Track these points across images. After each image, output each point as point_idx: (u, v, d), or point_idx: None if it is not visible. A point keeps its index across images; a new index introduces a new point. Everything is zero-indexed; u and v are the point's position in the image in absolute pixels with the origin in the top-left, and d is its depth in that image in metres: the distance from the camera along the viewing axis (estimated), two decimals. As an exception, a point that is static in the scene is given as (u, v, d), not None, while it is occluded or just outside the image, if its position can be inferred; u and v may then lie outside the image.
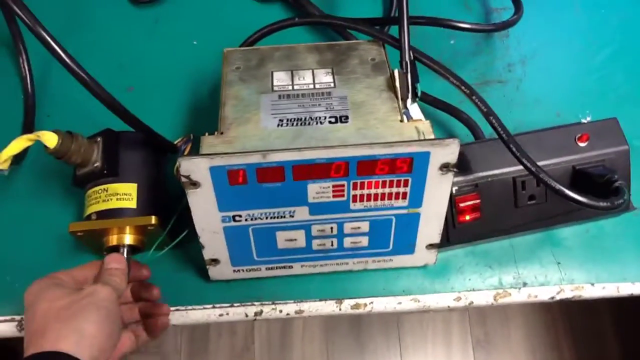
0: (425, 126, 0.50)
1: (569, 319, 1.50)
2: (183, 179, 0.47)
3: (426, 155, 0.47)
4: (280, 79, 0.55)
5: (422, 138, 0.48)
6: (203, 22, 0.76)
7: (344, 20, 0.63)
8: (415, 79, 0.55)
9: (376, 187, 0.50)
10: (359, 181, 0.49)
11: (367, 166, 0.48)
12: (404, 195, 0.50)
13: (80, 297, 0.46)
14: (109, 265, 0.52)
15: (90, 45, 0.72)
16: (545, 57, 0.73)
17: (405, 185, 0.50)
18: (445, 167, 0.48)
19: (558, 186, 0.50)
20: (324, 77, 0.55)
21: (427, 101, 0.65)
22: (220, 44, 0.68)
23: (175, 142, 0.60)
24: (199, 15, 0.76)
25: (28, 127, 0.66)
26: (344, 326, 1.50)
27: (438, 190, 0.50)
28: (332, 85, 0.54)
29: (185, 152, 0.59)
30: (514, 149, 0.51)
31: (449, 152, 0.47)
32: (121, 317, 0.51)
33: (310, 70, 0.56)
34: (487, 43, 0.74)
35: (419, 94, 0.55)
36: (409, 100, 0.54)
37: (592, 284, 0.60)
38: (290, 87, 0.54)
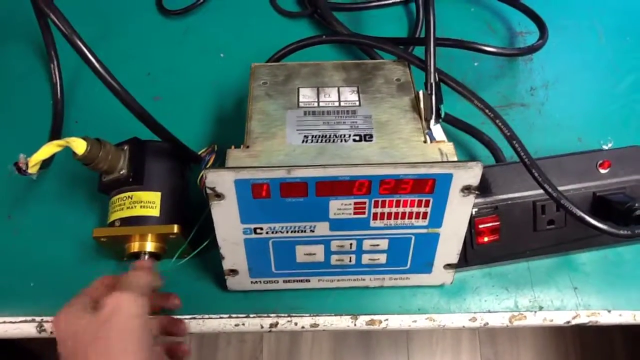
0: (449, 148, 0.50)
1: (581, 342, 1.48)
2: (208, 191, 0.48)
3: (449, 177, 0.48)
4: (306, 95, 0.56)
5: (445, 160, 0.49)
6: (230, 35, 0.77)
7: (370, 40, 0.64)
8: (439, 101, 0.55)
9: (397, 206, 0.50)
10: (380, 199, 0.49)
11: (389, 185, 0.48)
12: (425, 215, 0.51)
13: (103, 317, 0.43)
14: (136, 269, 0.52)
15: (119, 53, 0.74)
16: (568, 82, 0.73)
17: (427, 205, 0.50)
18: (467, 189, 0.49)
19: (579, 213, 0.51)
20: (350, 95, 0.56)
21: (449, 121, 0.65)
22: (247, 57, 0.70)
23: (199, 153, 0.61)
24: (227, 28, 0.78)
25: (56, 132, 0.68)
26: (353, 339, 1.50)
27: (458, 212, 0.51)
28: (357, 103, 0.55)
29: (209, 163, 0.59)
30: (536, 174, 0.52)
31: (472, 174, 0.47)
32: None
33: (336, 88, 0.57)
34: (511, 66, 0.74)
35: (443, 115, 0.56)
36: (432, 121, 0.54)
37: (609, 311, 0.60)
38: (315, 104, 0.55)
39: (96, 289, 0.50)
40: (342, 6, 0.78)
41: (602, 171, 0.59)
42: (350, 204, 0.50)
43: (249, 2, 0.79)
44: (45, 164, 0.63)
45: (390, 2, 0.79)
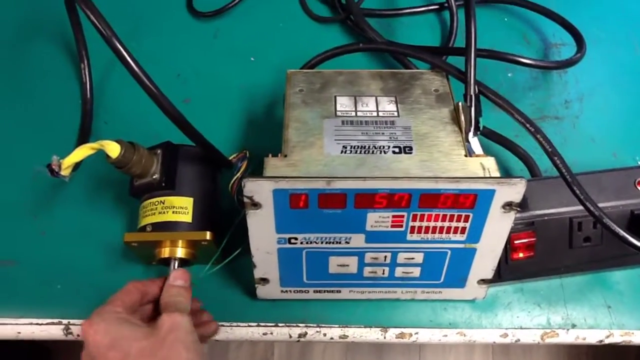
0: (490, 162, 0.49)
1: (594, 355, 1.47)
2: (245, 200, 0.47)
3: (491, 193, 0.47)
4: (344, 104, 0.55)
5: (487, 175, 0.48)
6: (261, 38, 0.76)
7: (409, 49, 0.63)
8: (478, 113, 0.54)
9: (436, 220, 0.49)
10: (419, 213, 0.49)
11: (429, 199, 0.47)
12: (463, 230, 0.50)
13: (164, 333, 0.46)
14: (175, 282, 0.52)
15: (149, 54, 0.72)
16: (603, 96, 0.72)
17: (466, 220, 0.49)
18: (508, 206, 0.48)
19: (622, 232, 0.50)
20: (388, 106, 0.55)
21: (483, 133, 0.64)
22: (278, 62, 0.69)
23: (230, 158, 0.60)
24: (258, 32, 0.77)
25: (85, 133, 0.67)
26: (365, 345, 1.49)
27: (498, 228, 0.50)
28: (395, 114, 0.54)
29: (242, 169, 0.59)
30: (577, 192, 0.51)
31: (515, 191, 0.47)
32: None
33: (374, 98, 0.56)
34: (545, 78, 0.73)
35: (481, 127, 0.55)
36: (470, 134, 0.53)
37: (643, 331, 0.59)
38: (353, 114, 0.54)
39: (129, 292, 0.51)
40: (374, 12, 0.77)
41: (641, 189, 0.58)
42: (388, 217, 0.49)
43: (280, 6, 0.79)
44: (75, 166, 0.63)
45: (423, 9, 0.78)
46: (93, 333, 0.46)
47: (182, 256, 0.56)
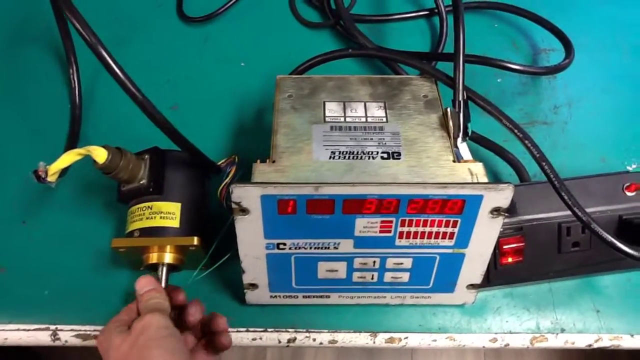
0: (478, 168, 0.49)
1: (586, 357, 1.47)
2: (233, 205, 0.47)
3: (479, 199, 0.47)
4: (333, 109, 0.55)
5: (475, 181, 0.48)
6: (252, 44, 0.76)
7: (397, 55, 0.63)
8: (467, 119, 0.55)
9: (424, 225, 0.49)
10: (407, 219, 0.49)
11: (418, 205, 0.47)
12: (451, 235, 0.50)
13: (135, 336, 0.45)
14: (142, 290, 0.51)
15: (138, 59, 0.73)
16: (592, 101, 0.72)
17: (454, 225, 0.49)
18: (496, 211, 0.48)
19: (610, 238, 0.50)
20: (376, 111, 0.55)
21: (472, 139, 0.64)
22: (268, 67, 0.69)
23: (219, 163, 0.60)
24: (248, 37, 0.77)
25: (73, 138, 0.67)
26: (356, 350, 1.49)
27: (486, 233, 0.50)
28: (384, 119, 0.54)
29: (230, 175, 0.58)
30: (565, 197, 0.51)
31: (503, 197, 0.47)
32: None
33: (363, 103, 0.56)
34: (534, 83, 0.74)
35: (470, 133, 0.55)
36: (459, 139, 0.54)
37: (632, 335, 0.59)
38: (342, 119, 0.54)
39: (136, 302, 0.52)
40: (364, 18, 0.77)
41: (629, 194, 0.58)
42: (376, 222, 0.49)
43: (270, 11, 0.79)
44: (63, 171, 0.63)
45: (413, 15, 0.78)
46: (99, 347, 0.48)
47: (170, 261, 0.56)
